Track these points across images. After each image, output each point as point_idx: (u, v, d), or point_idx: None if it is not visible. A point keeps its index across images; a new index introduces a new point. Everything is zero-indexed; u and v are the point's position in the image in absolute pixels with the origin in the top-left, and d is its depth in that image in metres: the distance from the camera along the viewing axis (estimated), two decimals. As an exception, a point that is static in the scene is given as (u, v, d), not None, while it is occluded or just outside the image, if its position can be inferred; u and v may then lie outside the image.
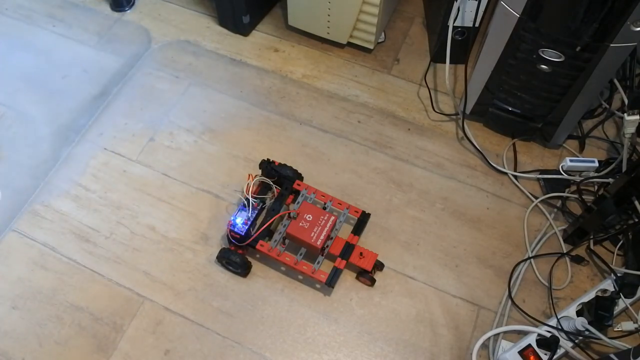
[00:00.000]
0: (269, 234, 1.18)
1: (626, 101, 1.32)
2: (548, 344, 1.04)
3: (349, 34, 1.46)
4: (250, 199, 1.16)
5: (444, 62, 1.30)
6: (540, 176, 1.30)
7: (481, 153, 1.34)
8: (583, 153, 1.35)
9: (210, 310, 1.15)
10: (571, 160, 1.27)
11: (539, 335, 1.06)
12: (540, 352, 1.04)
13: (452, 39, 1.28)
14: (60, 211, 1.27)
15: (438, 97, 1.45)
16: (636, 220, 1.19)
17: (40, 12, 1.61)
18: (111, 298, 1.16)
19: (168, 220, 1.25)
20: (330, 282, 1.12)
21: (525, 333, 1.09)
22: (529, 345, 1.05)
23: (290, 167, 1.24)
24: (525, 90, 1.24)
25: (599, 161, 1.27)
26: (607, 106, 1.40)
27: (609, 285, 1.13)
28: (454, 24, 1.30)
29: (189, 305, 1.15)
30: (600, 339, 1.04)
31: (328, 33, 1.49)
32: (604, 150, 1.36)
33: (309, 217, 1.13)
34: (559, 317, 1.09)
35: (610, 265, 1.16)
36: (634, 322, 1.08)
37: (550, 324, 1.09)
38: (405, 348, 1.11)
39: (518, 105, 1.28)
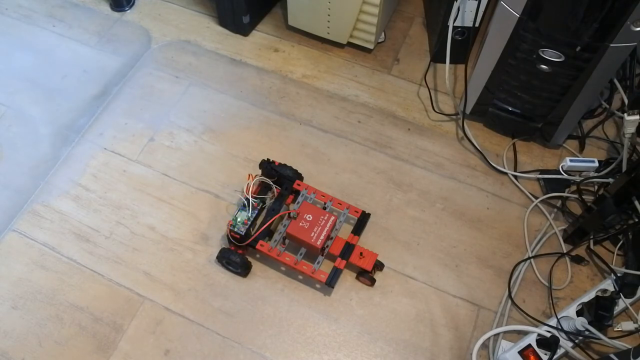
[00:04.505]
0: (269, 234, 1.18)
1: (626, 101, 1.33)
2: (548, 344, 1.04)
3: (349, 34, 1.46)
4: (250, 199, 1.16)
5: (444, 62, 1.30)
6: (540, 176, 1.30)
7: (481, 153, 1.34)
8: (583, 153, 1.35)
9: (210, 310, 1.15)
10: (571, 160, 1.27)
11: (539, 335, 1.06)
12: (540, 352, 1.04)
13: (452, 39, 1.28)
14: (60, 211, 1.27)
15: (438, 97, 1.45)
16: (636, 220, 1.19)
17: (40, 12, 1.61)
18: (111, 298, 1.16)
19: (168, 220, 1.25)
20: (330, 282, 1.12)
21: (525, 333, 1.09)
22: (529, 345, 1.05)
23: (290, 167, 1.24)
24: (525, 90, 1.24)
25: (599, 161, 1.27)
26: (607, 106, 1.40)
27: (609, 285, 1.13)
28: (454, 24, 1.30)
29: (189, 305, 1.15)
30: (600, 339, 1.04)
31: (328, 33, 1.49)
32: (604, 150, 1.36)
33: (309, 217, 1.13)
34: (559, 317, 1.09)
35: (610, 265, 1.16)
36: (634, 322, 1.08)
37: (550, 324, 1.09)
38: (405, 348, 1.11)
39: (518, 105, 1.28)
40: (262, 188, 1.24)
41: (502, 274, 1.20)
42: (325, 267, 1.14)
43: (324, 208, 1.19)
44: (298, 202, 1.19)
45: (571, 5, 1.00)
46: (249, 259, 1.18)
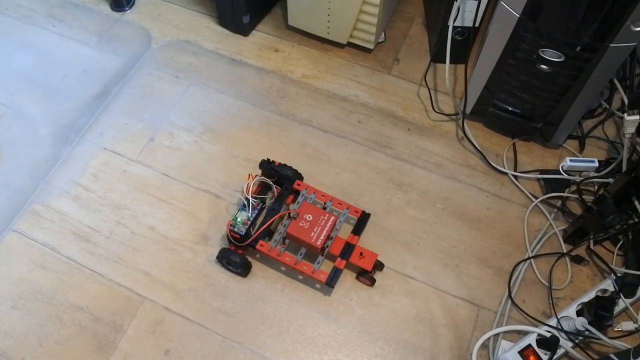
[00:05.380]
0: (269, 234, 1.18)
1: (626, 101, 1.33)
2: (548, 344, 1.04)
3: (349, 34, 1.46)
4: (250, 199, 1.16)
5: (444, 62, 1.30)
6: (540, 176, 1.30)
7: (481, 153, 1.34)
8: (583, 153, 1.35)
9: (210, 310, 1.15)
10: (571, 160, 1.27)
11: (539, 335, 1.06)
12: (540, 352, 1.04)
13: (452, 39, 1.28)
14: (60, 211, 1.27)
15: (438, 97, 1.45)
16: (636, 220, 1.19)
17: (40, 12, 1.61)
18: (111, 298, 1.16)
19: (168, 220, 1.25)
20: (330, 282, 1.12)
21: (525, 333, 1.09)
22: (529, 345, 1.05)
23: (290, 167, 1.24)
24: (525, 90, 1.24)
25: (599, 161, 1.27)
26: (607, 106, 1.40)
27: (609, 285, 1.13)
28: (454, 24, 1.30)
29: (189, 305, 1.15)
30: (600, 339, 1.04)
31: (328, 33, 1.49)
32: (604, 150, 1.36)
33: (309, 217, 1.13)
34: (559, 317, 1.09)
35: (610, 265, 1.16)
36: (634, 322, 1.08)
37: (550, 324, 1.09)
38: (405, 348, 1.11)
39: (518, 105, 1.28)
40: (262, 188, 1.24)
41: (502, 274, 1.20)
42: (325, 267, 1.14)
43: (324, 208, 1.19)
44: (298, 202, 1.19)
45: (571, 5, 1.00)
46: (249, 259, 1.18)
